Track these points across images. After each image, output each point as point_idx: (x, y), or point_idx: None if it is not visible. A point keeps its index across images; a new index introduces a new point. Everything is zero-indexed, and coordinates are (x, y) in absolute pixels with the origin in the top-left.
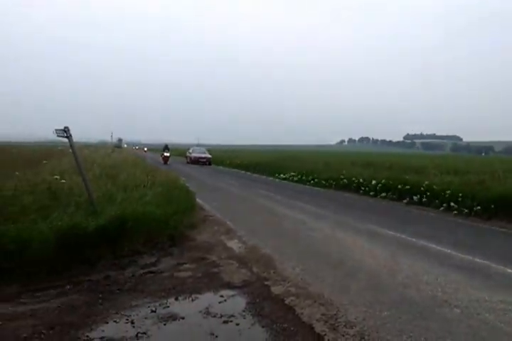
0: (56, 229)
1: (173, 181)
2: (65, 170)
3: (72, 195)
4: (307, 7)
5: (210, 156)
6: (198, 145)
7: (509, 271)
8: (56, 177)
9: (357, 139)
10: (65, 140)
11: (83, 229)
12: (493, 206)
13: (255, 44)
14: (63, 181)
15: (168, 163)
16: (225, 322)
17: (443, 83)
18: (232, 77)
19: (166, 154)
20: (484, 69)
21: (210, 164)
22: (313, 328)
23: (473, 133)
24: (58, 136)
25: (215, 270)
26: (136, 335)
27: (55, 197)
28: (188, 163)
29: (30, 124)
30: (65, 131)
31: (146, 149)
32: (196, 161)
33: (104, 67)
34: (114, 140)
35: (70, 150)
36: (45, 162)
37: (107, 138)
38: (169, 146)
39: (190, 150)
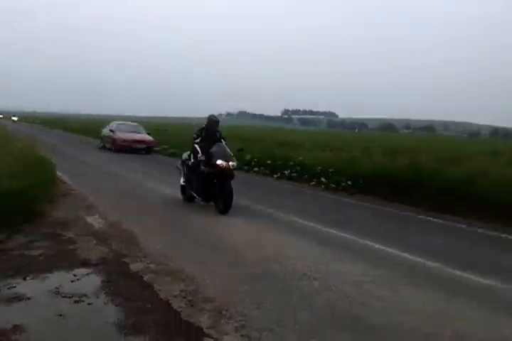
0: None
1: (32, 151)
2: None
3: None
4: None
5: (151, 139)
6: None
7: (370, 244)
8: None
9: (236, 113)
10: None
11: None
12: (361, 181)
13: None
14: None
15: None
16: (76, 301)
17: (321, 61)
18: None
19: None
20: (357, 47)
21: (149, 152)
22: (170, 305)
23: (348, 110)
24: None
25: (71, 247)
26: None
27: None
28: (109, 149)
29: None
30: None
31: (15, 119)
32: (128, 147)
33: None
34: None
35: None
36: None
37: None
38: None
39: (112, 127)
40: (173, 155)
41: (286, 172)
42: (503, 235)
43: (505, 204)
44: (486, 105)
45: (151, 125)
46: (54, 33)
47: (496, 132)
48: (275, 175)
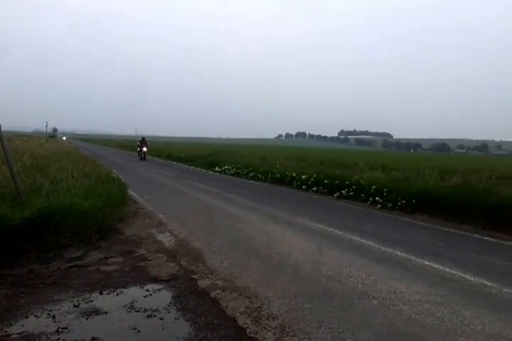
0: None
1: (105, 173)
2: None
3: None
4: None
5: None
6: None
7: (427, 263)
8: None
9: (294, 134)
10: None
11: (7, 222)
12: (414, 201)
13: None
14: None
15: None
16: (149, 316)
17: (376, 82)
18: (172, 69)
19: None
20: (417, 68)
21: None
22: (236, 321)
23: (402, 130)
24: None
25: (143, 264)
26: (57, 330)
27: None
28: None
29: None
30: None
31: (64, 138)
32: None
33: (42, 53)
34: (49, 130)
35: None
36: None
37: (41, 127)
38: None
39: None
40: None
41: (343, 191)
42: None
43: None
44: None
45: None
46: None
47: None
48: (335, 195)
